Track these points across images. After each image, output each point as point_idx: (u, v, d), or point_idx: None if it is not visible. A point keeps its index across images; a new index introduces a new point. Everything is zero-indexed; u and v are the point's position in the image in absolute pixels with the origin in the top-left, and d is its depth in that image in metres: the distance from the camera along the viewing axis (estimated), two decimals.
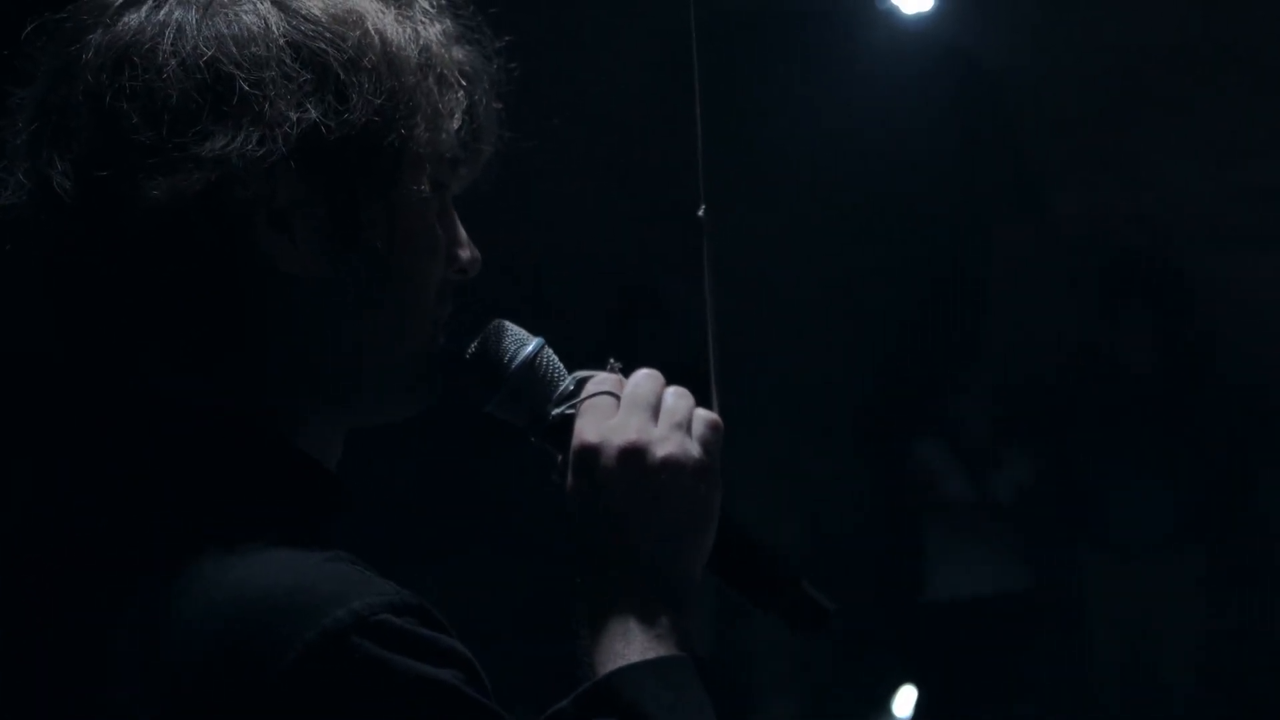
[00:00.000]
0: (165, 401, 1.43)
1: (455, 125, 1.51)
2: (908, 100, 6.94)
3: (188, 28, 1.42)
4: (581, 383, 1.59)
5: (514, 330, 1.62)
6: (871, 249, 7.05)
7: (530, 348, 1.60)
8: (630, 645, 1.46)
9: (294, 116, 1.40)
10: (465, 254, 1.57)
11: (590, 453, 1.53)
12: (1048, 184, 7.88)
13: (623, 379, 1.59)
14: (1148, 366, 7.00)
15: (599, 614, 1.50)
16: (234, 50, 1.41)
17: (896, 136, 6.93)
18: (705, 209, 1.88)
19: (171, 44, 1.41)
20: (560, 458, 1.57)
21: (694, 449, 1.54)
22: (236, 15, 1.43)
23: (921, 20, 6.86)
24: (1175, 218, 7.55)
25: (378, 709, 1.25)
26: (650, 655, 1.46)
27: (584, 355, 1.62)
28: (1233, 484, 7.07)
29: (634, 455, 1.52)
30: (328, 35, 1.43)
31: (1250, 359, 7.31)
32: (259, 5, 1.44)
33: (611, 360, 1.61)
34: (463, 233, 1.57)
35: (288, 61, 1.42)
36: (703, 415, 1.58)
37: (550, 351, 1.61)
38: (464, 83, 1.53)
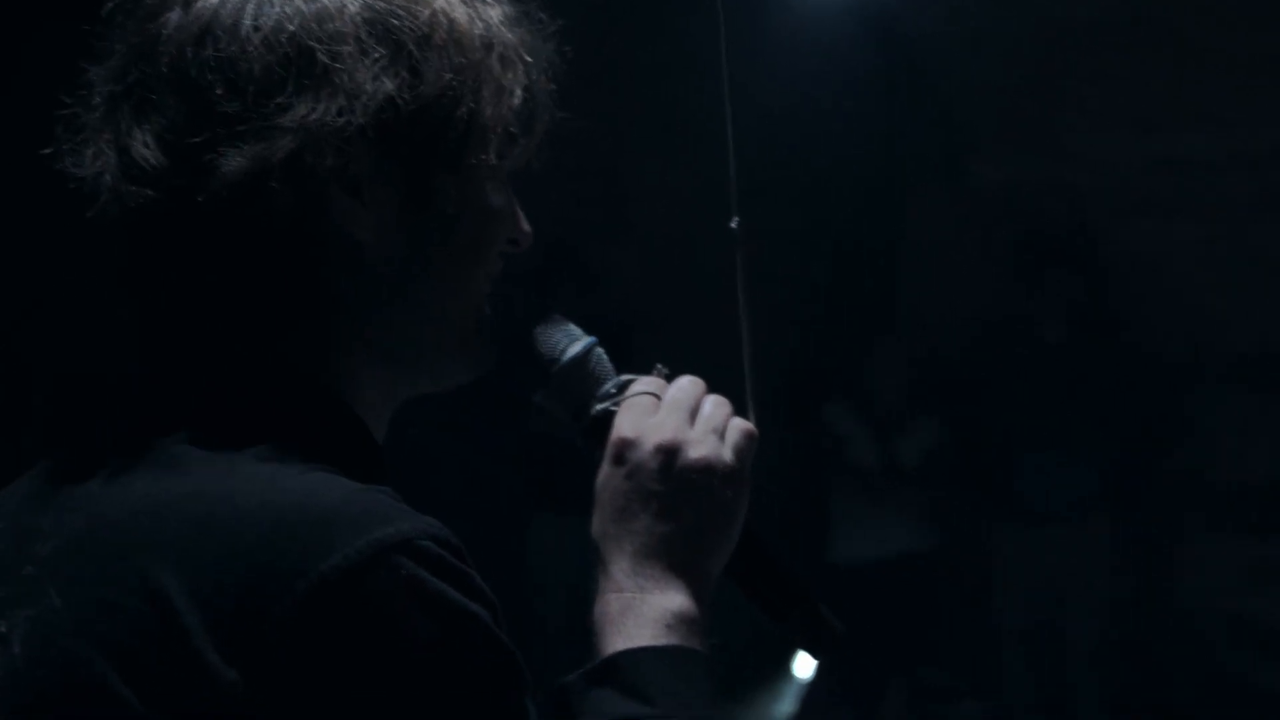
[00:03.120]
0: (240, 362, 1.48)
1: (516, 101, 1.56)
2: (829, 67, 6.94)
3: (267, 5, 1.47)
4: (626, 383, 1.65)
5: (567, 326, 1.69)
6: (789, 215, 7.04)
7: (582, 344, 1.67)
8: (642, 629, 1.51)
9: (370, 89, 1.45)
10: (523, 226, 1.62)
11: (626, 445, 1.58)
12: (966, 153, 7.92)
13: (666, 383, 1.65)
14: (1062, 335, 7.06)
15: (615, 597, 1.54)
16: (314, 25, 1.46)
17: (817, 103, 6.94)
18: (739, 221, 1.94)
19: (253, 19, 1.46)
20: (598, 454, 1.63)
21: (727, 454, 1.60)
22: None
23: None
24: (1093, 188, 7.62)
25: (410, 628, 1.29)
26: (661, 642, 1.51)
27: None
28: (1143, 452, 7.17)
29: (668, 452, 1.57)
30: (400, 13, 1.49)
31: (1164, 328, 7.40)
32: None
33: (658, 365, 1.67)
34: (518, 207, 1.62)
35: (364, 37, 1.47)
36: (739, 424, 1.63)
37: (601, 351, 1.67)
38: (523, 62, 1.58)
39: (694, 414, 1.60)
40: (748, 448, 1.61)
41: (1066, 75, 7.65)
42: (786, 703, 6.92)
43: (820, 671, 6.96)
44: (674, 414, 1.60)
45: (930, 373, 7.31)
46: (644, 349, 1.69)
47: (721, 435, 1.60)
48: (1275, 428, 7.38)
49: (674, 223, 7.24)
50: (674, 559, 1.55)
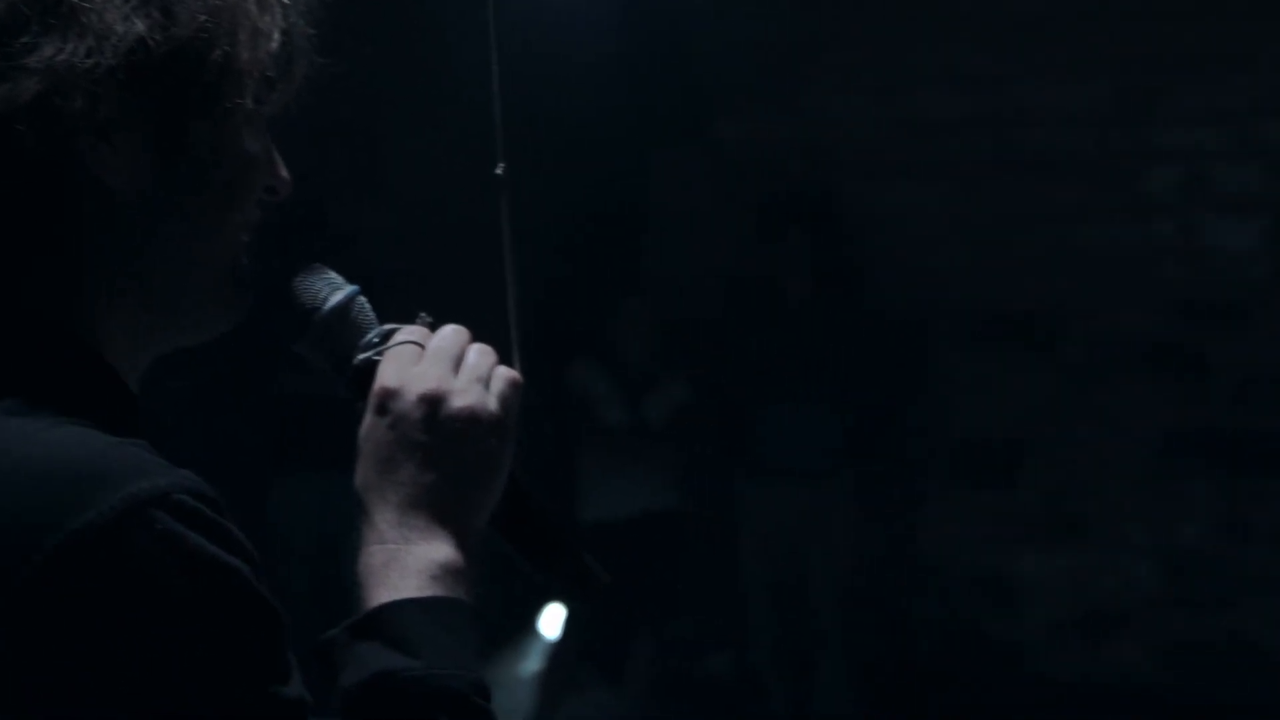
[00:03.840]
0: None
1: (273, 45, 1.53)
2: (576, 25, 6.91)
3: None
4: (389, 333, 1.63)
5: (329, 275, 1.65)
6: (535, 174, 7.00)
7: (345, 293, 1.63)
8: (407, 581, 1.49)
9: (121, 29, 1.41)
10: (281, 173, 1.58)
11: (390, 395, 1.56)
12: (711, 112, 7.96)
13: (430, 332, 1.62)
14: (806, 294, 7.14)
15: (379, 548, 1.52)
16: None
17: (562, 62, 6.90)
18: (503, 167, 1.93)
19: None
20: (361, 404, 1.60)
21: (491, 403, 1.58)
22: None
23: None
24: (835, 147, 7.71)
25: (168, 584, 1.27)
26: (426, 593, 1.49)
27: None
28: (885, 408, 7.29)
29: (432, 402, 1.55)
30: None
31: (905, 287, 7.52)
32: None
33: (421, 314, 1.64)
34: (276, 154, 1.58)
35: None
36: (503, 373, 1.61)
37: (364, 301, 1.65)
38: (281, 5, 1.55)
39: (458, 363, 1.59)
40: (512, 396, 1.60)
41: (809, 36, 7.73)
42: (532, 659, 6.93)
43: (566, 627, 6.99)
44: (438, 363, 1.58)
45: (676, 331, 7.35)
46: (399, 306, 1.67)
47: (486, 384, 1.59)
48: (1013, 384, 7.56)
49: (428, 180, 7.18)
50: (439, 509, 1.53)
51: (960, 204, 7.58)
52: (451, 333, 1.61)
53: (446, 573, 1.50)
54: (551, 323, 7.14)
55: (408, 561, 1.50)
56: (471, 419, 1.55)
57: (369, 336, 1.62)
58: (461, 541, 1.54)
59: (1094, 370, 7.46)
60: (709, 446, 7.28)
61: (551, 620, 7.01)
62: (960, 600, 7.69)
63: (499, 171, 1.91)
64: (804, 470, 7.03)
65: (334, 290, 1.63)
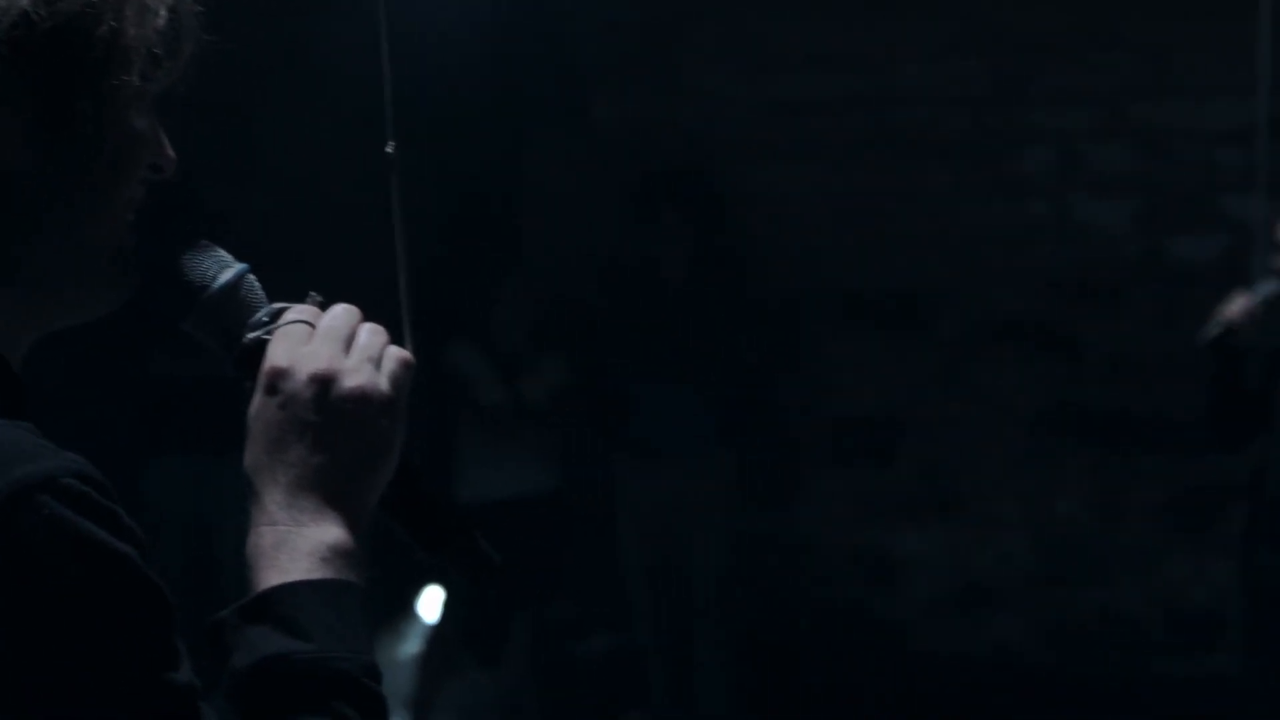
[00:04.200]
0: None
1: (161, 22, 1.51)
2: (449, 5, 6.85)
3: None
4: (279, 311, 1.61)
5: (218, 253, 1.64)
6: (409, 154, 6.95)
7: (234, 271, 1.62)
8: (297, 563, 1.48)
9: (3, 4, 1.40)
10: (167, 152, 1.56)
11: (279, 375, 1.54)
12: (586, 92, 7.94)
13: (320, 311, 1.61)
14: (682, 274, 7.14)
15: (269, 530, 1.51)
16: None
17: (435, 40, 6.85)
18: (394, 145, 1.92)
19: None
20: (250, 384, 1.58)
21: (383, 383, 1.56)
22: None
23: None
24: (711, 128, 7.71)
25: (56, 568, 1.27)
26: (316, 575, 1.48)
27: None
28: (762, 388, 7.31)
29: (322, 382, 1.54)
30: None
31: (781, 267, 7.55)
32: None
33: (311, 293, 1.63)
34: (161, 132, 1.56)
35: None
36: (395, 352, 1.60)
37: (254, 279, 1.63)
38: None
39: (349, 342, 1.57)
40: (404, 376, 1.58)
41: (685, 15, 7.74)
42: (411, 643, 6.89)
43: (445, 610, 6.95)
44: (328, 342, 1.56)
45: (554, 312, 7.33)
46: (286, 286, 1.65)
47: (378, 364, 1.57)
48: (888, 363, 7.61)
49: (311, 160, 7.10)
50: (329, 491, 1.52)
51: (835, 184, 7.62)
52: (342, 312, 1.60)
53: (337, 555, 1.49)
54: (429, 304, 7.10)
55: (298, 543, 1.49)
56: (363, 399, 1.54)
57: (258, 315, 1.61)
58: (352, 523, 1.52)
59: (969, 349, 7.53)
60: (587, 427, 7.27)
61: (430, 603, 6.97)
62: (838, 577, 7.73)
63: (389, 150, 1.89)
64: (682, 450, 7.04)
65: (223, 268, 1.62)
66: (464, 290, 7.15)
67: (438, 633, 6.93)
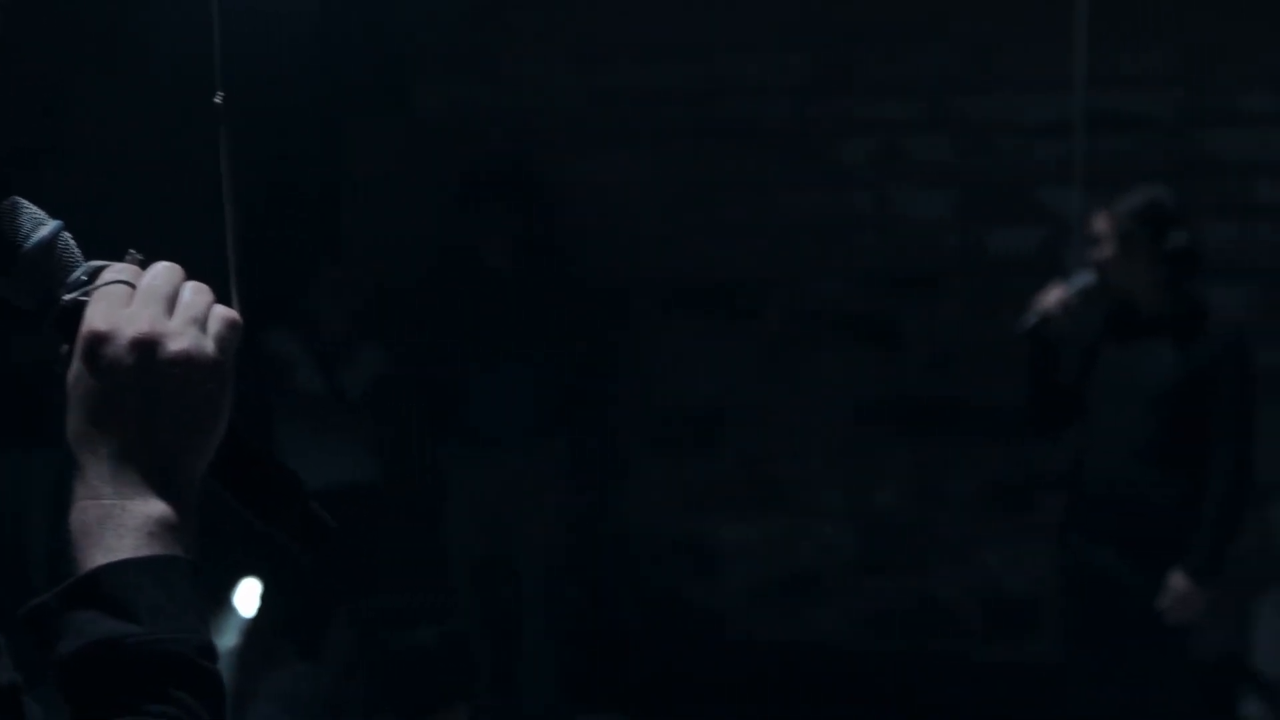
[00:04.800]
0: None
1: None
2: None
3: None
4: (97, 271, 1.52)
5: (31, 209, 1.54)
6: (234, 141, 6.84)
7: (48, 229, 1.52)
8: (123, 540, 1.41)
9: None
10: None
11: (99, 340, 1.46)
12: (408, 81, 7.87)
13: (141, 270, 1.52)
14: (508, 263, 7.10)
15: (93, 504, 1.43)
16: None
17: (255, 28, 6.73)
18: (222, 96, 1.85)
19: None
20: (67, 347, 1.49)
21: (209, 346, 1.48)
22: None
23: None
24: (536, 117, 7.68)
25: None
26: (144, 553, 1.41)
27: None
28: (589, 378, 7.29)
29: (145, 347, 1.45)
30: None
31: (607, 256, 7.53)
32: None
33: (131, 251, 1.54)
34: None
35: None
36: (221, 312, 1.52)
37: (69, 236, 1.53)
38: None
39: (172, 303, 1.49)
40: (230, 338, 1.50)
41: (508, 4, 7.69)
42: (228, 636, 6.78)
43: (263, 602, 6.85)
44: (150, 303, 1.48)
45: (375, 300, 7.25)
46: (101, 246, 1.57)
47: (203, 325, 1.49)
48: (712, 352, 7.62)
49: (127, 141, 6.96)
50: (155, 461, 1.45)
51: (659, 173, 7.61)
52: (164, 270, 1.52)
53: (165, 529, 1.42)
54: (248, 291, 6.98)
55: (123, 519, 1.42)
56: (188, 363, 1.46)
57: (76, 274, 1.52)
58: (180, 494, 1.45)
59: (791, 338, 7.56)
60: (414, 416, 7.21)
61: (246, 596, 6.86)
62: (662, 566, 7.74)
63: (218, 100, 1.81)
64: (510, 439, 7.00)
65: (37, 225, 1.53)
66: (283, 278, 7.04)
67: (255, 625, 6.82)
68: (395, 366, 7.19)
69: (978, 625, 7.44)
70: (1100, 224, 5.43)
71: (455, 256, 7.28)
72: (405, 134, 7.79)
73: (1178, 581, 5.29)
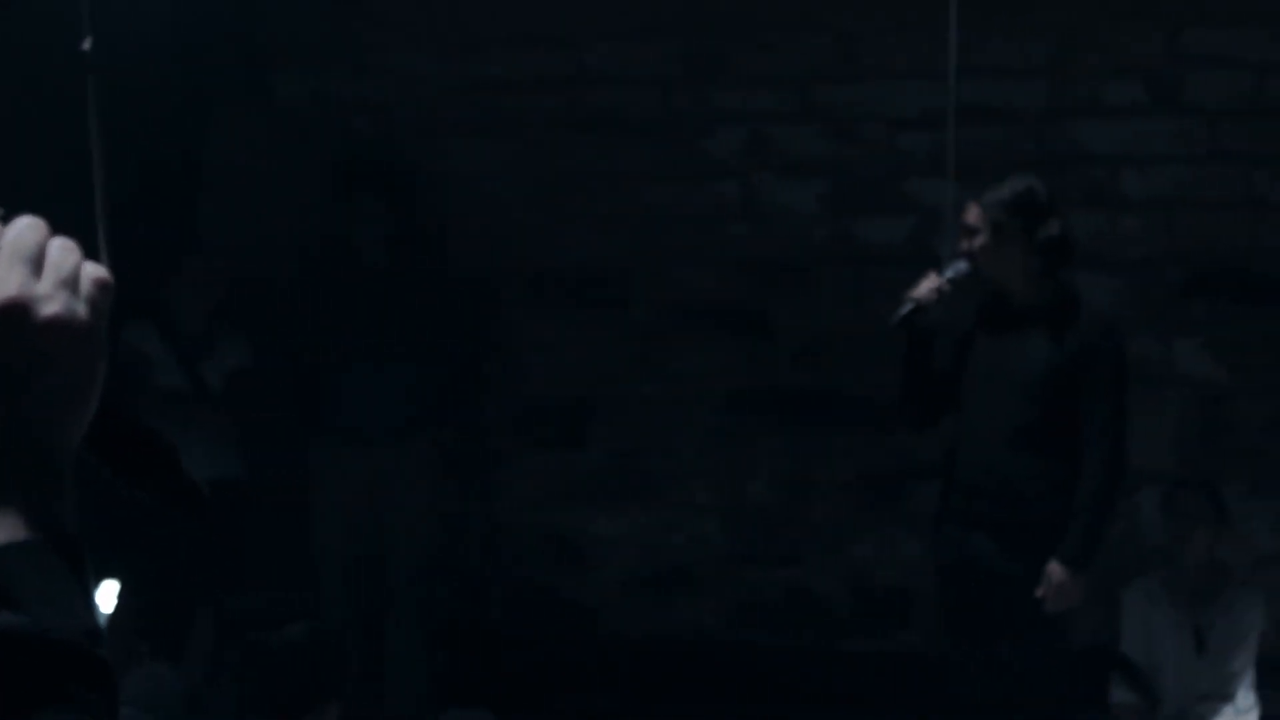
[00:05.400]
0: None
1: None
2: None
3: None
4: None
5: None
6: (86, 131, 6.70)
7: None
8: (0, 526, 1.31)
9: None
10: None
11: None
12: (272, 69, 7.74)
13: (1, 226, 1.39)
14: (377, 254, 6.99)
15: None
16: None
17: (115, 11, 6.61)
18: (91, 41, 1.75)
19: None
20: None
21: (81, 309, 1.36)
22: None
23: None
24: (402, 106, 7.59)
25: None
26: (21, 536, 1.29)
27: None
28: (460, 370, 7.22)
29: (13, 313, 1.33)
30: None
31: (475, 247, 7.46)
32: None
33: None
34: None
35: None
36: (91, 271, 1.39)
37: None
38: None
39: (39, 264, 1.36)
40: (102, 299, 1.38)
41: None
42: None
43: (121, 601, 6.72)
44: (16, 266, 1.35)
45: (237, 293, 7.13)
46: None
47: (74, 287, 1.37)
48: (582, 344, 7.58)
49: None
50: (28, 439, 1.33)
51: (527, 164, 7.56)
52: (28, 227, 1.38)
53: (41, 510, 1.31)
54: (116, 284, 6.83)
55: None
56: (61, 329, 1.34)
57: None
58: (57, 471, 1.34)
59: (660, 330, 7.53)
60: (277, 410, 7.09)
61: (104, 595, 6.72)
62: (532, 560, 7.69)
63: (85, 48, 1.71)
64: (375, 433, 6.91)
65: None
66: (143, 270, 6.90)
67: (113, 624, 6.68)
68: (258, 360, 7.07)
69: (849, 615, 7.46)
70: (973, 214, 5.43)
71: (322, 248, 7.18)
72: (268, 123, 7.66)
73: (1054, 570, 5.32)
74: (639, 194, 7.50)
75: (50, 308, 1.33)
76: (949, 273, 5.48)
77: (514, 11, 7.43)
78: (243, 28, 7.52)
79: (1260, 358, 6.98)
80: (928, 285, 5.48)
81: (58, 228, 1.43)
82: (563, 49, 7.50)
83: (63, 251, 1.37)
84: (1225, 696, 6.21)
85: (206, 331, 7.05)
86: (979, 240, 5.43)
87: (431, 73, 7.58)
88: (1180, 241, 7.04)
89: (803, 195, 7.37)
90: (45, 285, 1.35)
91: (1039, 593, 5.32)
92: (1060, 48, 7.06)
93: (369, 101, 7.60)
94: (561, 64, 7.50)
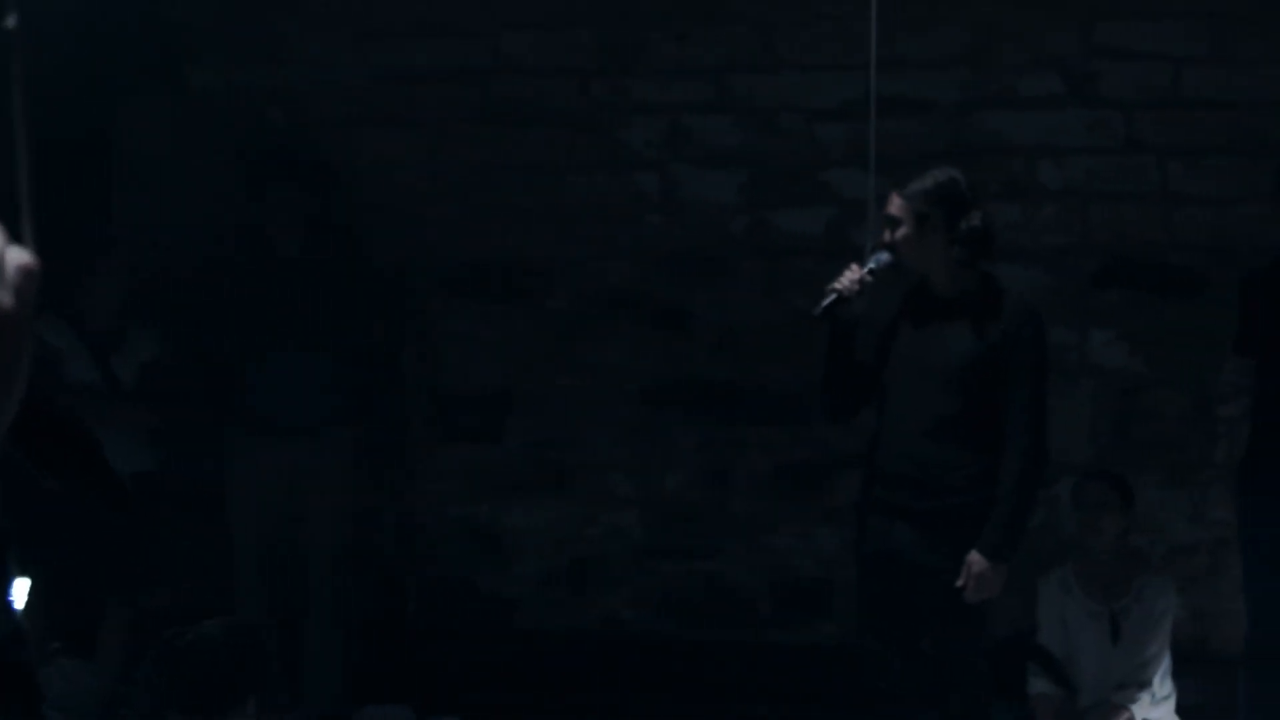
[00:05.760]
0: None
1: None
2: None
3: None
4: None
5: None
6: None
7: None
8: None
9: None
10: None
11: None
12: (184, 59, 7.65)
13: None
14: (292, 246, 6.92)
15: None
16: None
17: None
18: (15, 18, 1.72)
19: None
20: None
21: (6, 298, 1.37)
22: None
23: None
24: (317, 97, 7.52)
25: None
26: None
27: None
28: (377, 363, 7.16)
29: None
30: None
31: (391, 239, 7.40)
32: None
33: None
34: None
35: None
36: (16, 257, 1.39)
37: None
38: None
39: None
40: (28, 286, 1.38)
41: None
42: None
43: (32, 599, 6.63)
44: None
45: (149, 286, 7.04)
46: None
47: None
48: (496, 336, 7.54)
49: None
50: None
51: (442, 155, 7.51)
52: None
53: None
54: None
55: None
56: None
57: None
58: None
59: (577, 322, 7.50)
60: (191, 403, 7.01)
61: (19, 591, 6.62)
62: (448, 554, 7.64)
63: (10, 24, 1.67)
64: (291, 426, 6.84)
65: None
66: (53, 264, 6.79)
67: (25, 622, 6.58)
68: (171, 353, 6.98)
69: (767, 608, 7.45)
70: (895, 205, 5.43)
71: (235, 238, 7.11)
72: (179, 113, 7.57)
73: (974, 560, 5.32)
74: (556, 185, 7.46)
75: None
76: (871, 264, 5.46)
77: (429, 1, 7.38)
78: (156, 16, 7.42)
79: (1175, 349, 7.03)
80: (849, 276, 5.46)
81: None
82: (479, 39, 7.45)
83: None
84: (1142, 684, 6.24)
85: (118, 325, 6.96)
86: (901, 231, 5.42)
87: (346, 62, 7.51)
88: (1096, 233, 7.08)
89: (721, 186, 7.35)
90: None
91: (959, 583, 5.33)
92: (977, 39, 7.08)
93: (283, 91, 7.53)
94: (478, 54, 7.45)
